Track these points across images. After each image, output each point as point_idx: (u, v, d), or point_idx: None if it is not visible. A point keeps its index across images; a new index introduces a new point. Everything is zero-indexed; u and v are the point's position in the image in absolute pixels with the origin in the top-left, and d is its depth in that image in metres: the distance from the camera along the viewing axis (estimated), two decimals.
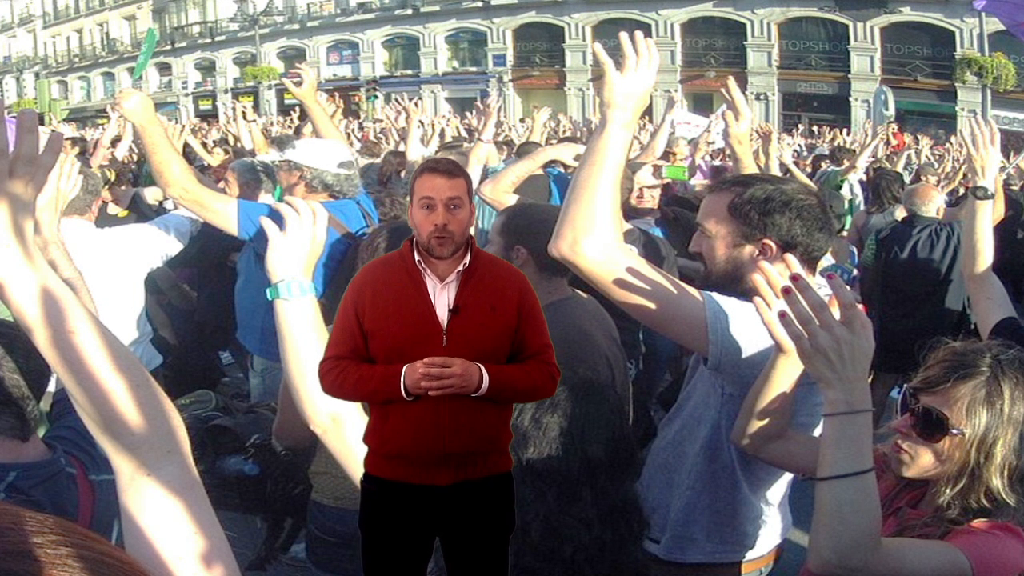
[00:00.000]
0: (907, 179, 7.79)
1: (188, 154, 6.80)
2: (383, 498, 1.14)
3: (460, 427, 1.10)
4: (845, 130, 16.05)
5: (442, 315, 1.11)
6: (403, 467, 1.12)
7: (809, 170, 8.73)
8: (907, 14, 28.83)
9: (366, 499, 1.16)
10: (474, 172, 4.25)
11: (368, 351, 1.12)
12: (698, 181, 6.05)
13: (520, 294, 1.15)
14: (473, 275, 1.13)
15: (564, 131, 11.18)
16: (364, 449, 1.37)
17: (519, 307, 1.14)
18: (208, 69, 43.44)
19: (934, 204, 5.02)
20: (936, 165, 9.88)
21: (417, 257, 1.13)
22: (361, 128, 14.84)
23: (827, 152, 10.32)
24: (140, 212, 5.31)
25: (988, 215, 2.37)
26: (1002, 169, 7.17)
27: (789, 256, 1.52)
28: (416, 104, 7.59)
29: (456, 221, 1.11)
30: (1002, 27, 11.71)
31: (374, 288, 1.13)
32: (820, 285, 1.75)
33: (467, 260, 1.14)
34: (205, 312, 4.50)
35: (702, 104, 22.12)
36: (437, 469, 1.11)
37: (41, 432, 1.56)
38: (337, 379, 1.12)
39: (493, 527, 1.15)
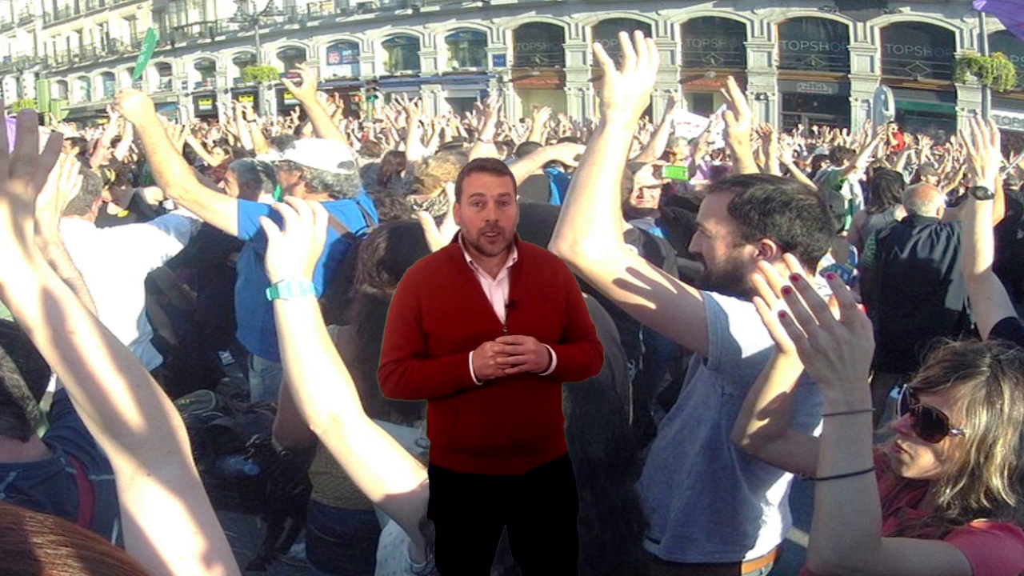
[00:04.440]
0: (907, 179, 7.79)
1: (188, 154, 6.79)
2: (457, 491, 1.16)
3: (532, 414, 1.13)
4: (845, 130, 16.05)
5: (499, 311, 1.14)
6: (478, 460, 1.14)
7: (809, 170, 8.72)
8: (907, 14, 28.84)
9: (437, 493, 1.18)
10: None
11: (428, 352, 1.14)
12: (698, 181, 6.05)
13: (566, 281, 1.20)
14: (523, 269, 1.17)
15: (564, 131, 11.17)
16: (364, 449, 1.38)
17: (567, 294, 1.19)
18: (208, 69, 43.43)
19: (934, 204, 5.02)
20: (936, 165, 9.88)
21: (468, 257, 1.15)
22: (361, 128, 14.84)
23: (827, 152, 10.31)
24: (140, 212, 5.31)
25: (988, 215, 2.37)
26: (1002, 169, 7.17)
27: (789, 256, 1.52)
28: (416, 104, 7.57)
29: (506, 217, 1.14)
30: (1002, 27, 11.71)
31: (429, 290, 1.15)
32: (820, 285, 1.75)
33: (515, 255, 1.17)
34: (205, 312, 4.50)
35: (702, 104, 22.16)
36: (513, 458, 1.14)
37: (41, 432, 1.56)
38: (401, 379, 1.13)
39: (564, 508, 1.19)
